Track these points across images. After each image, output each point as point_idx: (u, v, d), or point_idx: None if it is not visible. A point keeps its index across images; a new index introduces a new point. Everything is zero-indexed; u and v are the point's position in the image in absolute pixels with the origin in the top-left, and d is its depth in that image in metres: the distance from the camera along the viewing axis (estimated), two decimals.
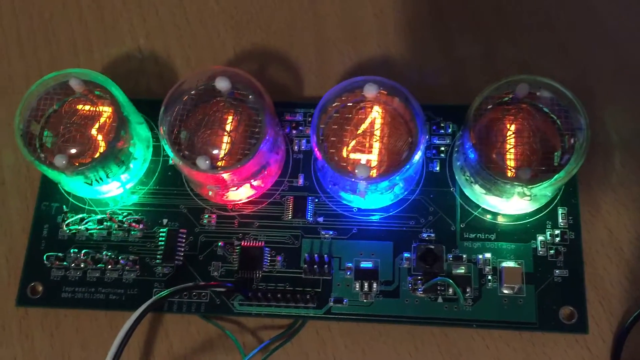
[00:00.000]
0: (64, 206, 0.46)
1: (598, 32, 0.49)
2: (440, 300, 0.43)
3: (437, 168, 0.46)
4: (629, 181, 0.46)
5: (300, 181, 0.46)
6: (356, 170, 0.40)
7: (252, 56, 0.52)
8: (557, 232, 0.44)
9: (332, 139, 0.42)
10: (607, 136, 0.47)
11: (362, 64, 0.51)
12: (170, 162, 0.47)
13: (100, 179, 0.43)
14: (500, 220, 0.44)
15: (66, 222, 0.46)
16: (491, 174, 0.39)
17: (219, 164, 0.42)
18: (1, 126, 0.51)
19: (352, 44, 0.51)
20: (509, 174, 0.40)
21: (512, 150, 0.41)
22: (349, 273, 0.44)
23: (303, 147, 0.47)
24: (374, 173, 0.41)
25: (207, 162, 0.41)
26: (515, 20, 0.50)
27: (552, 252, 0.43)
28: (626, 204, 0.45)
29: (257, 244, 0.45)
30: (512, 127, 0.41)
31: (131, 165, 0.45)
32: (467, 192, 0.44)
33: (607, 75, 0.48)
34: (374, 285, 0.43)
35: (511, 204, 0.42)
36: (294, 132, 0.47)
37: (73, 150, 0.43)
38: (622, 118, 0.47)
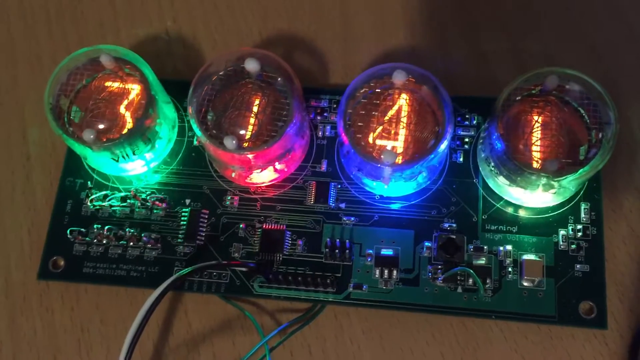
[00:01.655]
0: (89, 182, 0.47)
1: (624, 29, 0.49)
2: (459, 290, 0.43)
3: (461, 159, 0.46)
4: None
5: (324, 167, 0.46)
6: (382, 156, 0.40)
7: (278, 42, 0.52)
8: (579, 227, 0.44)
9: (359, 124, 0.42)
10: (631, 134, 0.47)
11: (388, 54, 0.51)
12: (195, 142, 0.48)
13: (127, 155, 0.44)
14: (523, 213, 0.44)
15: (90, 198, 0.46)
16: (518, 164, 0.39)
17: (245, 145, 0.42)
18: (29, 103, 0.51)
19: (377, 34, 0.51)
20: (535, 165, 0.40)
21: (539, 142, 0.41)
22: (369, 260, 0.44)
23: (327, 134, 0.47)
24: (399, 160, 0.41)
25: (234, 142, 0.41)
26: (540, 15, 0.50)
27: (573, 246, 0.43)
28: None
29: (278, 227, 0.45)
30: (540, 119, 0.41)
31: (156, 145, 0.46)
32: (490, 183, 0.44)
33: (632, 73, 0.48)
34: (394, 272, 0.43)
35: (535, 197, 0.42)
36: (319, 118, 0.48)
37: (101, 126, 0.43)
38: None
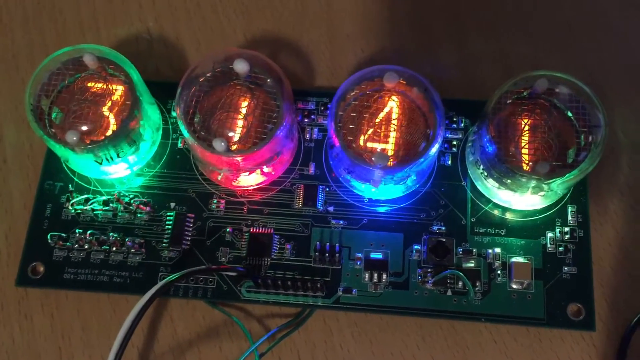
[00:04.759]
0: (70, 185, 0.45)
1: (608, 34, 0.50)
2: (449, 293, 0.43)
3: (449, 162, 0.46)
4: (636, 182, 0.46)
5: (312, 170, 0.46)
6: (374, 159, 0.40)
7: (263, 43, 0.51)
8: (566, 229, 0.44)
9: (350, 126, 0.42)
10: (615, 137, 0.47)
11: (374, 57, 0.51)
12: (180, 145, 0.47)
13: (111, 157, 0.42)
14: (511, 216, 0.44)
15: (71, 202, 0.45)
16: (509, 167, 0.39)
17: (233, 147, 0.42)
18: (4, 104, 0.49)
19: (363, 36, 0.51)
20: (525, 168, 0.40)
21: (528, 146, 0.41)
22: (358, 263, 0.43)
23: (315, 136, 0.47)
24: (390, 162, 0.41)
25: (223, 144, 0.40)
26: (527, 19, 0.50)
27: (561, 249, 0.44)
28: (633, 205, 0.46)
29: (266, 231, 0.44)
30: (529, 122, 0.41)
31: (140, 147, 0.45)
32: (479, 186, 0.44)
33: (615, 77, 0.49)
34: (384, 276, 0.43)
35: (524, 199, 0.43)
36: (306, 120, 0.47)
37: (84, 128, 0.42)
38: (630, 120, 0.47)
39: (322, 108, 0.47)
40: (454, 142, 0.46)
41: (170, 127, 0.47)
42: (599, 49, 0.49)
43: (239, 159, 0.41)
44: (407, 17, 0.51)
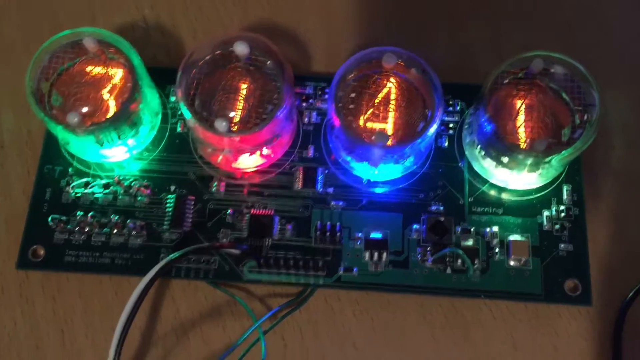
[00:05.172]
0: (69, 169, 0.45)
1: (600, 17, 0.51)
2: (449, 271, 0.43)
3: (446, 144, 0.47)
4: (627, 162, 0.47)
5: (310, 152, 0.46)
6: (374, 137, 0.41)
7: (259, 30, 0.52)
8: (562, 208, 0.45)
9: (350, 106, 0.42)
10: (607, 119, 0.48)
11: (369, 42, 0.51)
12: (179, 129, 0.47)
13: (112, 139, 0.43)
14: (507, 195, 0.45)
15: (72, 185, 0.45)
16: (507, 144, 0.40)
17: (234, 128, 0.42)
18: (0, 89, 0.49)
19: (359, 23, 0.52)
20: (522, 146, 0.41)
21: (524, 124, 0.42)
22: (359, 243, 0.44)
23: (313, 120, 0.47)
24: (389, 142, 0.42)
25: (225, 124, 0.40)
26: (520, 3, 0.51)
27: (557, 227, 0.44)
28: (625, 184, 0.46)
29: (267, 212, 0.45)
30: (525, 102, 0.42)
31: (140, 131, 0.45)
32: (476, 166, 0.45)
33: (607, 59, 0.50)
34: (384, 255, 0.44)
35: (520, 178, 0.43)
36: (304, 104, 0.48)
37: (84, 110, 0.42)
38: (622, 101, 0.48)
39: (320, 92, 0.48)
40: (450, 125, 0.47)
41: (169, 111, 0.47)
42: (591, 31, 0.50)
43: (238, 139, 0.42)
44: (401, 4, 0.52)
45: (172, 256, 0.40)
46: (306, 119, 0.47)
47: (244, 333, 0.42)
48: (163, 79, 0.48)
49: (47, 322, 0.43)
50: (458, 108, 0.47)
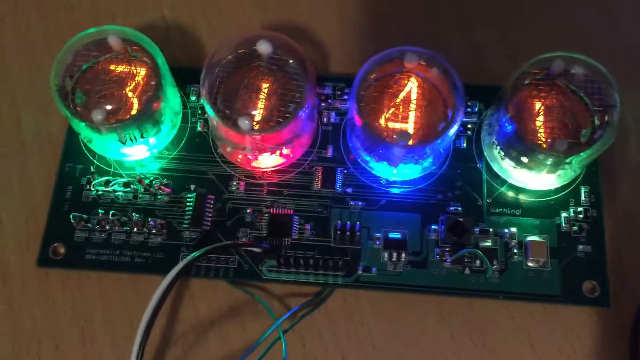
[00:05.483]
0: (91, 167, 0.46)
1: (613, 19, 0.51)
2: (467, 271, 0.44)
3: (464, 145, 0.47)
4: None
5: (329, 152, 0.47)
6: (396, 136, 0.41)
7: (278, 31, 0.52)
8: (580, 209, 0.45)
9: (372, 105, 0.42)
10: (624, 122, 0.48)
11: (383, 44, 0.51)
12: (199, 128, 0.47)
13: (135, 137, 0.43)
14: (526, 196, 0.45)
15: (93, 183, 0.45)
16: (529, 144, 0.40)
17: (256, 127, 0.42)
18: (21, 89, 0.50)
19: (376, 24, 0.52)
20: (543, 146, 0.41)
21: (544, 125, 0.42)
22: (378, 243, 0.44)
23: (332, 120, 0.48)
24: (410, 142, 0.42)
25: (247, 122, 0.41)
26: (532, 5, 0.52)
27: (575, 228, 0.44)
28: None
29: (286, 212, 0.45)
30: (546, 103, 0.42)
31: (161, 129, 0.45)
32: (495, 167, 0.45)
33: (621, 61, 0.50)
34: (403, 255, 0.44)
35: (539, 179, 0.44)
36: (323, 104, 0.48)
37: (108, 107, 0.43)
38: (637, 103, 0.49)
39: (339, 93, 0.48)
40: (469, 126, 0.47)
41: (189, 111, 0.48)
42: (604, 35, 0.51)
43: (259, 137, 0.42)
44: (415, 6, 0.52)
45: (193, 255, 0.40)
46: (325, 119, 0.48)
47: (264, 332, 0.42)
48: (183, 78, 0.48)
49: (67, 320, 0.43)
50: (476, 109, 0.48)
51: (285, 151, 0.45)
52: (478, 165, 0.46)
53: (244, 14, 0.53)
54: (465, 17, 0.52)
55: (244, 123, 0.41)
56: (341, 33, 0.52)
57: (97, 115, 0.41)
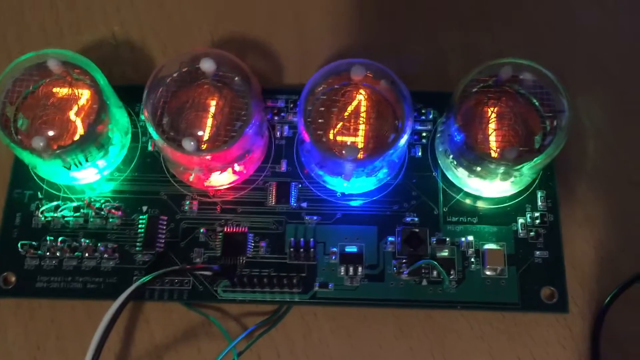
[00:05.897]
0: (39, 193, 0.45)
1: (570, 23, 0.51)
2: (424, 282, 0.43)
3: (419, 153, 0.46)
4: (601, 166, 0.47)
5: (283, 167, 0.46)
6: (344, 151, 0.40)
7: (231, 44, 0.51)
8: (536, 214, 0.45)
9: (320, 121, 0.42)
10: (579, 124, 0.48)
11: (342, 53, 0.51)
12: (150, 148, 0.46)
13: (79, 162, 0.42)
14: (482, 204, 0.45)
15: (41, 210, 0.44)
16: (478, 154, 0.40)
17: (203, 146, 0.41)
18: None
19: (333, 33, 0.51)
20: (494, 154, 0.41)
21: (495, 133, 0.42)
22: (334, 257, 0.44)
23: (285, 134, 0.47)
24: (360, 155, 0.41)
25: (193, 143, 0.40)
26: (491, 10, 0.51)
27: (532, 234, 0.44)
28: (599, 188, 0.46)
29: (240, 230, 0.44)
30: (495, 110, 0.42)
31: (109, 151, 0.44)
32: (450, 175, 0.45)
33: (577, 64, 0.49)
34: (359, 269, 0.43)
35: (493, 186, 0.43)
36: (276, 118, 0.47)
37: (51, 133, 0.42)
38: (593, 106, 0.48)
39: (292, 105, 0.47)
40: (424, 134, 0.47)
41: (140, 130, 0.47)
42: (562, 36, 0.50)
43: (208, 157, 0.41)
44: (373, 14, 0.51)
45: (142, 280, 0.39)
46: (278, 133, 0.47)
47: (219, 355, 0.41)
48: (132, 97, 0.47)
49: (19, 349, 0.43)
50: (431, 117, 0.47)
51: (237, 168, 0.44)
52: (433, 174, 0.46)
53: (197, 28, 0.52)
54: (427, 24, 0.51)
55: (188, 145, 0.40)
56: (297, 44, 0.51)
57: (38, 143, 0.40)
